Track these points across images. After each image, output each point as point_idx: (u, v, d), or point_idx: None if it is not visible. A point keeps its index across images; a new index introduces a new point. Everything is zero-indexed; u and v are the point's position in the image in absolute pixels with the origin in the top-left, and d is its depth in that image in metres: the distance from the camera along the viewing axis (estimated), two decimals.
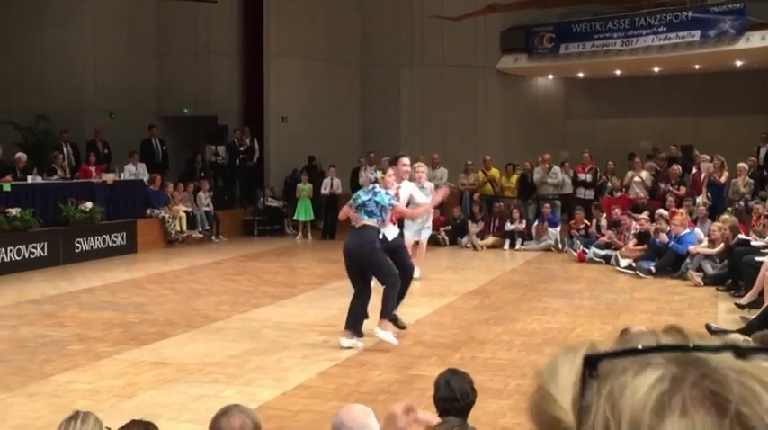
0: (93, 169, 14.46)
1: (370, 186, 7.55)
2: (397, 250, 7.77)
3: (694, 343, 0.49)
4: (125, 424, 2.85)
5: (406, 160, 8.06)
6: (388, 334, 7.27)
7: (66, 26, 17.21)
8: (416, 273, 9.39)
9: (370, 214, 7.25)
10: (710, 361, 0.47)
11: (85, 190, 13.66)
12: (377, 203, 7.23)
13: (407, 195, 8.11)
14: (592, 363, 0.49)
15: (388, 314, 7.32)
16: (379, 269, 7.32)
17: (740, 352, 0.48)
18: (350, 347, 7.22)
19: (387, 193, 7.34)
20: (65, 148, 15.42)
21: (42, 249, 12.37)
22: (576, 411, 0.49)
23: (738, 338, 5.39)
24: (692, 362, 0.47)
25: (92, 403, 5.49)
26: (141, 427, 2.84)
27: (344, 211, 7.66)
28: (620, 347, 0.50)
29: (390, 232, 7.78)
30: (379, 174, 7.58)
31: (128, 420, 2.93)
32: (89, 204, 13.29)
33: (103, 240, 13.55)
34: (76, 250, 12.98)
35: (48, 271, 11.98)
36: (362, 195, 7.38)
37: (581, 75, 20.40)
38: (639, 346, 0.50)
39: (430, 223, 11.31)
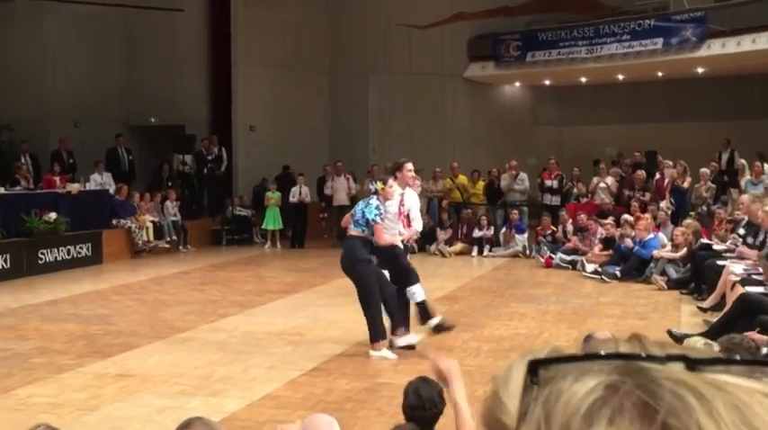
0: (57, 179, 14.27)
1: (369, 198, 7.39)
2: (393, 257, 7.62)
3: (647, 352, 0.48)
4: None
5: (410, 165, 7.71)
6: (383, 352, 7.21)
7: (29, 34, 17.02)
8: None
9: (356, 224, 7.28)
10: (652, 371, 0.46)
11: (49, 200, 13.47)
12: (363, 214, 7.22)
13: (410, 206, 7.74)
14: (533, 369, 0.49)
15: (378, 335, 7.24)
16: (357, 282, 7.29)
17: (690, 363, 0.46)
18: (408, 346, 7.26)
19: (377, 208, 7.19)
20: (23, 159, 15.20)
21: (5, 261, 12.18)
22: (518, 416, 0.48)
23: (699, 342, 5.46)
24: (634, 371, 0.46)
25: (54, 417, 5.42)
26: None
27: (347, 218, 7.64)
28: (562, 354, 0.50)
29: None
30: (378, 185, 7.33)
31: None
32: (53, 215, 13.11)
33: (68, 251, 13.37)
34: (40, 262, 12.79)
35: (10, 283, 11.79)
36: (360, 204, 7.40)
37: (547, 82, 20.60)
38: (580, 353, 0.49)
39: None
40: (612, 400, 0.44)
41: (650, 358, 0.47)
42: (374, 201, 7.27)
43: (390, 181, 7.45)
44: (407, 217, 7.76)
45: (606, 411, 0.44)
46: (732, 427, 0.42)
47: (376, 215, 7.18)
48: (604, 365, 0.47)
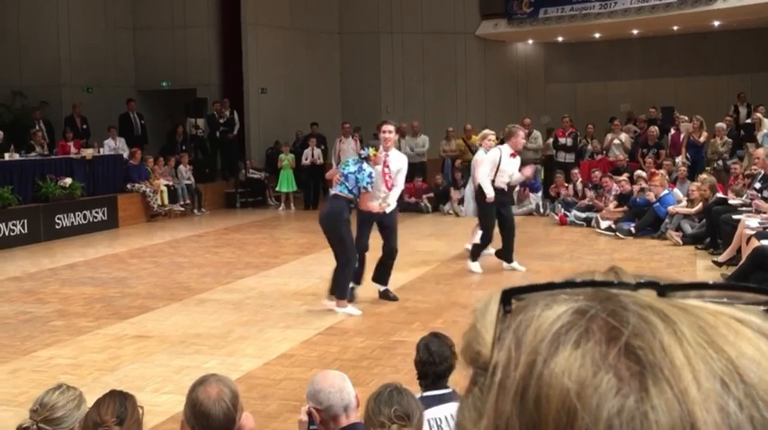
0: (71, 145, 14.33)
1: (360, 158, 7.41)
2: (389, 228, 7.71)
3: (619, 280, 0.49)
4: (103, 395, 2.86)
5: (387, 126, 7.80)
6: (347, 308, 7.36)
7: (40, 1, 16.94)
8: None
9: (346, 187, 7.29)
10: (622, 297, 0.47)
11: (64, 166, 13.55)
12: (357, 181, 7.24)
13: (396, 169, 7.79)
14: (507, 298, 0.49)
15: (341, 293, 7.36)
16: (338, 242, 7.34)
17: (661, 289, 0.47)
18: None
19: (370, 176, 7.25)
20: (38, 125, 15.24)
21: (22, 226, 12.28)
22: (493, 345, 0.49)
23: None
24: (603, 298, 0.47)
25: (74, 378, 5.51)
26: (119, 398, 2.84)
27: (332, 173, 7.85)
28: (534, 283, 0.50)
29: (392, 199, 7.76)
30: (371, 151, 7.41)
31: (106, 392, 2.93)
32: (68, 180, 13.20)
33: (84, 216, 13.47)
34: (57, 226, 12.90)
35: (28, 248, 11.92)
36: (351, 165, 7.36)
37: (560, 39, 20.34)
38: (552, 282, 0.49)
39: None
40: (579, 324, 0.45)
41: (621, 285, 0.48)
42: (367, 167, 7.29)
43: (382, 148, 7.55)
44: (392, 178, 7.75)
45: (572, 335, 0.45)
46: (695, 346, 0.43)
47: (368, 183, 7.25)
48: (576, 293, 0.48)
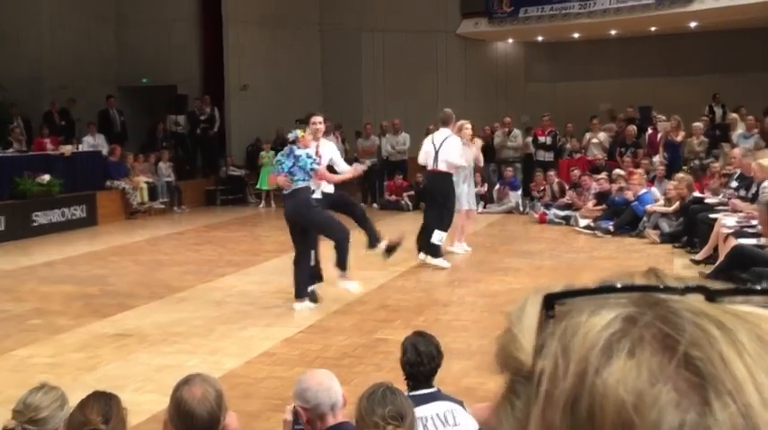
0: (47, 141, 14.19)
1: (287, 149, 7.53)
2: (339, 200, 7.95)
3: (664, 284, 0.47)
4: (87, 395, 2.85)
5: (317, 118, 7.95)
6: (353, 283, 7.58)
7: None
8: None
9: (301, 179, 7.39)
10: (672, 302, 0.45)
11: (42, 162, 13.43)
12: (301, 169, 7.35)
13: (329, 156, 8.03)
14: (549, 303, 0.47)
15: (343, 265, 7.52)
16: (323, 227, 7.48)
17: (710, 294, 0.45)
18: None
19: (308, 156, 7.40)
20: (15, 122, 15.09)
21: None
22: (533, 352, 0.47)
23: None
24: (653, 303, 0.45)
25: (53, 377, 5.46)
26: (102, 399, 2.83)
27: (272, 178, 7.91)
28: (578, 287, 0.48)
29: (327, 186, 7.91)
30: (299, 133, 7.52)
31: (90, 393, 2.92)
32: (46, 177, 13.08)
33: (62, 213, 13.36)
34: (34, 224, 12.79)
35: (5, 245, 11.80)
36: (284, 161, 7.44)
37: (540, 38, 20.43)
38: (596, 286, 0.47)
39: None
40: (632, 332, 0.43)
41: (668, 289, 0.46)
42: (299, 151, 7.38)
43: (308, 130, 7.67)
44: (327, 168, 7.91)
45: (625, 343, 0.43)
46: (756, 358, 0.42)
47: (312, 163, 7.38)
48: (621, 298, 0.46)
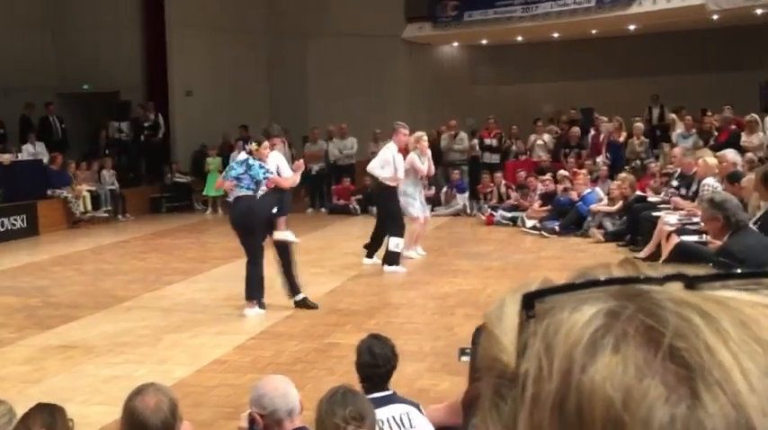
0: None
1: (242, 158, 7.57)
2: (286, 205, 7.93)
3: (643, 274, 0.46)
4: (30, 408, 2.78)
5: (276, 140, 8.22)
6: (253, 310, 7.59)
7: None
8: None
9: (247, 189, 7.43)
10: (653, 293, 0.44)
11: None
12: (252, 178, 7.38)
13: (275, 164, 8.07)
14: (528, 302, 0.46)
15: (248, 296, 7.61)
16: (245, 242, 7.54)
17: (689, 281, 0.45)
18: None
19: (261, 166, 7.44)
20: None
21: None
22: (516, 352, 0.46)
23: None
24: (634, 295, 0.44)
25: None
26: (46, 410, 2.77)
27: (219, 183, 8.07)
28: (556, 283, 0.47)
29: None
30: (253, 146, 7.57)
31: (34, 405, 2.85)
32: None
33: (2, 224, 13.02)
34: None
35: None
36: (236, 167, 7.49)
37: (484, 42, 20.65)
38: (575, 281, 0.46)
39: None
40: (615, 327, 0.43)
41: (647, 280, 0.45)
42: (252, 161, 7.43)
43: (265, 143, 7.69)
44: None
45: (609, 339, 0.42)
46: (740, 344, 0.41)
47: (265, 172, 7.44)
48: (601, 292, 0.45)
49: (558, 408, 0.42)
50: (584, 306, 0.44)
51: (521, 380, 0.44)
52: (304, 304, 7.71)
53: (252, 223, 7.49)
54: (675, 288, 0.45)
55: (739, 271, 0.46)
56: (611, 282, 0.46)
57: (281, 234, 7.66)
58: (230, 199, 7.69)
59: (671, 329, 0.42)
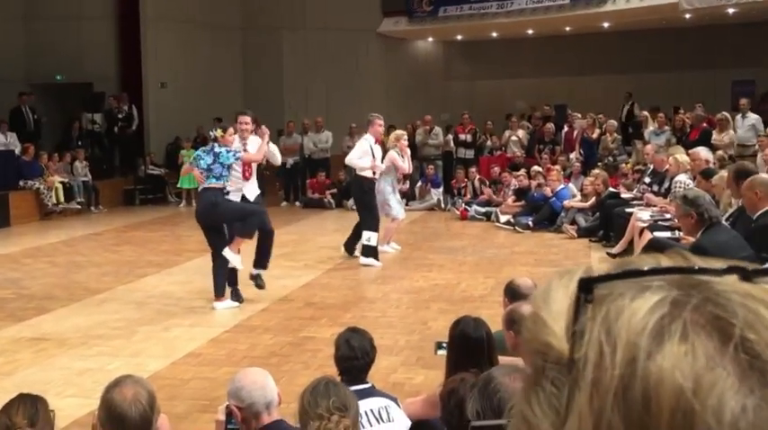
0: None
1: (209, 146, 7.41)
2: (256, 212, 7.64)
3: (698, 265, 0.46)
4: (11, 399, 2.78)
5: (243, 117, 7.87)
6: (224, 303, 7.44)
7: None
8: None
9: (218, 178, 7.26)
10: (714, 284, 0.44)
11: None
12: (222, 165, 7.24)
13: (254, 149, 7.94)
14: (587, 287, 0.45)
15: (217, 292, 7.47)
16: (236, 217, 7.34)
17: (746, 274, 0.44)
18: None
19: (228, 151, 7.28)
20: None
21: None
22: (569, 337, 0.45)
23: None
24: (695, 285, 0.44)
25: None
26: (28, 401, 2.77)
27: (187, 169, 7.95)
28: (617, 269, 0.47)
29: (250, 191, 7.74)
30: (218, 132, 7.40)
31: (11, 397, 2.85)
32: None
33: None
34: None
35: None
36: (204, 157, 7.31)
37: (459, 37, 20.73)
38: (638, 268, 0.46)
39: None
40: (682, 316, 0.42)
41: (704, 271, 0.45)
42: (219, 148, 7.28)
43: (231, 129, 7.55)
44: (251, 167, 7.80)
45: (677, 327, 0.42)
46: None
47: (234, 154, 7.28)
48: (661, 280, 0.45)
49: (621, 396, 0.42)
50: (647, 293, 0.44)
51: (579, 366, 0.44)
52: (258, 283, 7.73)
53: (216, 218, 7.37)
54: (733, 280, 0.45)
55: None
56: (668, 270, 0.46)
57: (230, 254, 7.35)
58: (199, 190, 7.54)
59: (741, 320, 0.42)
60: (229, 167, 7.30)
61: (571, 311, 0.46)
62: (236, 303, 7.55)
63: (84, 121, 16.77)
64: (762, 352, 0.41)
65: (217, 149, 7.29)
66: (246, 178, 7.69)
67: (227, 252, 7.33)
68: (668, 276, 0.45)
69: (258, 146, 7.76)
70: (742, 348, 0.41)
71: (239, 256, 7.50)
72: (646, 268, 0.46)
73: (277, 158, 8.40)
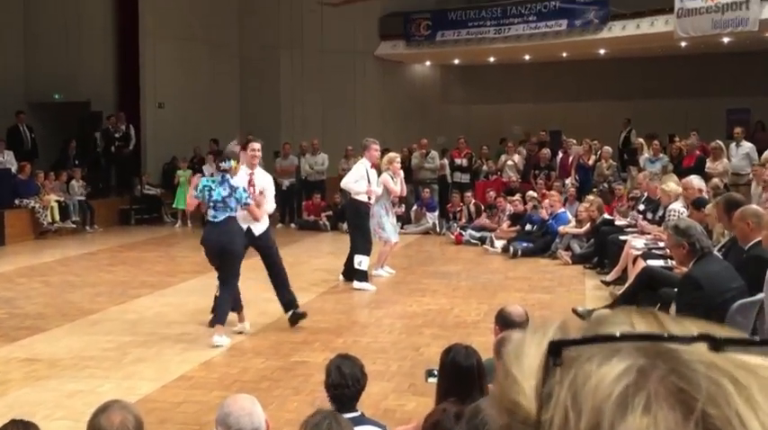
0: None
1: (219, 177, 7.10)
2: (267, 248, 7.59)
3: (668, 332, 0.46)
4: (3, 424, 2.77)
5: (255, 145, 7.73)
6: (222, 338, 6.98)
7: None
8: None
9: (233, 209, 7.07)
10: (681, 353, 0.44)
11: None
12: (237, 201, 7.06)
13: (261, 187, 7.70)
14: (556, 350, 0.46)
15: (221, 320, 7.08)
16: (230, 266, 7.13)
17: (715, 343, 0.44)
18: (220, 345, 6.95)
19: (245, 190, 7.15)
20: None
21: None
22: (537, 397, 0.46)
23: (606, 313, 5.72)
24: (662, 353, 0.44)
25: None
26: (22, 426, 2.76)
27: (194, 203, 7.45)
28: (588, 332, 0.47)
29: (257, 227, 7.60)
30: (233, 164, 7.14)
31: (2, 419, 2.85)
32: None
33: None
34: None
35: None
36: (217, 188, 7.01)
37: (457, 62, 20.88)
38: (610, 334, 0.46)
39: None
40: (646, 386, 0.42)
41: (674, 338, 0.45)
42: (236, 182, 7.10)
43: (242, 157, 7.46)
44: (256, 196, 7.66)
45: (641, 398, 0.42)
46: None
47: (248, 197, 7.14)
48: (629, 346, 0.45)
49: None
50: (614, 359, 0.45)
51: (545, 427, 0.44)
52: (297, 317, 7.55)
53: (239, 246, 7.19)
54: (702, 349, 0.45)
55: (761, 338, 0.47)
56: (638, 337, 0.46)
57: (219, 339, 6.98)
58: (216, 219, 7.08)
59: (704, 394, 0.42)
60: (240, 206, 7.11)
61: (540, 372, 0.47)
62: (228, 340, 7.08)
63: (98, 140, 16.86)
64: (722, 427, 0.41)
65: (234, 184, 7.09)
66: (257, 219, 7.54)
67: (216, 338, 7.01)
68: (638, 343, 0.46)
69: (262, 207, 7.52)
70: (702, 424, 0.41)
71: (228, 339, 7.09)
72: (618, 334, 0.46)
73: (269, 209, 7.99)
